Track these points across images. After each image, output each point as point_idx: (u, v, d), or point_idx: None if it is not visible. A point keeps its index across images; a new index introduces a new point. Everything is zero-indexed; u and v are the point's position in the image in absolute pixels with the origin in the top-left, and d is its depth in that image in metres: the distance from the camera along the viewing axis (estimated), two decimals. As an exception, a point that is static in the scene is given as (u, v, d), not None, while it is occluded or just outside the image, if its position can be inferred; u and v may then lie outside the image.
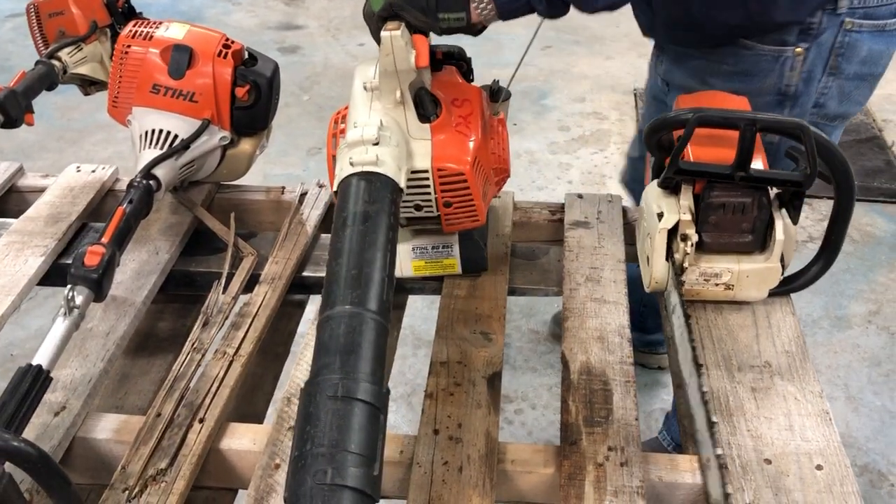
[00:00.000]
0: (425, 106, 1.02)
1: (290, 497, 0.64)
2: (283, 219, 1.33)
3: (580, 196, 1.33)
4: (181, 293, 1.26)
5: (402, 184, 0.93)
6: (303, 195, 1.36)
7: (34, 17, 1.66)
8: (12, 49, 4.05)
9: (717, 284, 1.08)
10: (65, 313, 0.98)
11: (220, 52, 1.24)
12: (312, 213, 1.31)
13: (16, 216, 1.34)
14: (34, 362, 0.93)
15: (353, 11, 4.25)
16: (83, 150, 3.24)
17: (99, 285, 1.02)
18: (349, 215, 0.86)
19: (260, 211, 1.37)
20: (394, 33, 0.96)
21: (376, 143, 0.93)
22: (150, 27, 1.27)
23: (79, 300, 0.99)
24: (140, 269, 1.19)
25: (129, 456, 0.91)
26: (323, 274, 1.21)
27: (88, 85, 1.72)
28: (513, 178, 1.38)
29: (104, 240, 1.06)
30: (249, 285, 1.19)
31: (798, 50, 1.27)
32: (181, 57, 1.23)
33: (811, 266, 1.11)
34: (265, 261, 1.22)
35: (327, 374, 0.71)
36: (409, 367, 2.20)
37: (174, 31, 1.26)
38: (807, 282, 1.11)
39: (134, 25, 1.27)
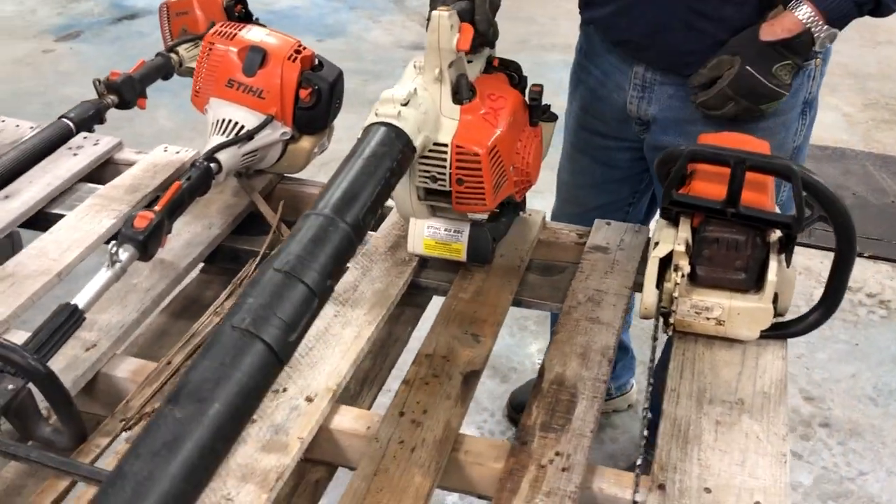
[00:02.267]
0: (461, 89, 1.13)
1: (210, 336, 0.75)
2: (333, 213, 1.44)
3: (608, 223, 1.37)
4: (228, 266, 1.40)
5: (417, 143, 1.04)
6: (353, 194, 1.47)
7: (164, 15, 1.87)
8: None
9: (708, 318, 1.10)
10: (108, 265, 1.13)
11: (291, 56, 1.38)
12: (355, 210, 1.42)
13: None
14: (72, 301, 1.08)
15: (484, 37, 4.38)
16: (214, 143, 3.51)
17: (144, 246, 1.16)
18: (360, 150, 0.99)
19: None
20: (442, 13, 1.07)
21: (405, 104, 1.04)
22: (236, 28, 1.42)
23: (123, 256, 1.14)
24: (191, 240, 1.33)
25: (135, 393, 1.05)
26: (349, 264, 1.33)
27: (203, 79, 1.92)
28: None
29: (157, 207, 1.21)
30: (283, 266, 1.31)
31: (817, 61, 1.34)
32: (255, 57, 1.38)
33: (810, 314, 1.10)
34: (303, 247, 1.34)
35: (285, 255, 0.84)
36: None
37: (254, 34, 1.40)
38: (804, 329, 1.11)
39: (222, 26, 1.43)
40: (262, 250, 1.33)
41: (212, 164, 1.32)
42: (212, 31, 1.43)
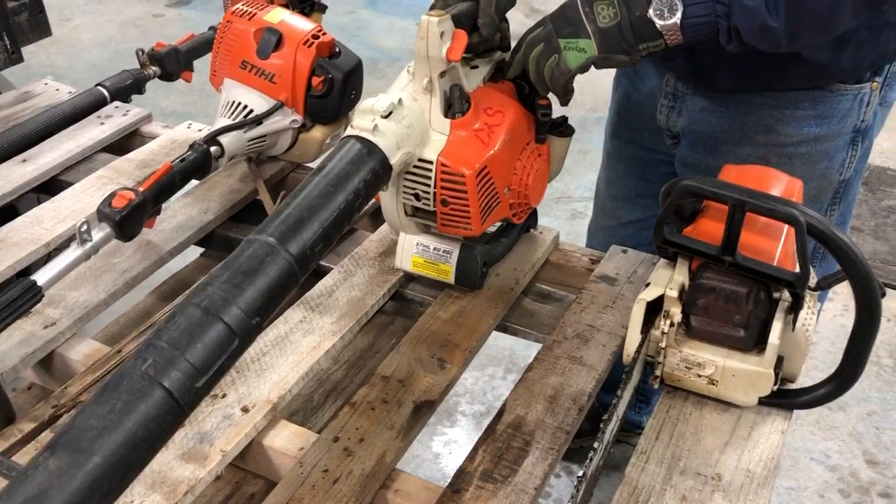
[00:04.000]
0: (454, 102, 1.04)
1: (112, 375, 0.69)
2: (342, 208, 1.38)
3: (625, 251, 1.24)
4: (224, 254, 1.35)
5: (395, 161, 0.96)
6: (365, 190, 1.40)
7: (226, -12, 1.86)
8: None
9: (699, 376, 0.96)
10: (78, 242, 1.10)
11: (307, 41, 1.31)
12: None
13: (132, 156, 1.52)
14: (32, 277, 1.06)
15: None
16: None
17: (120, 227, 1.12)
18: (326, 167, 0.92)
19: (325, 196, 1.43)
20: (431, 19, 0.98)
21: (385, 116, 0.96)
22: (256, 7, 1.37)
23: (95, 235, 1.11)
24: (184, 223, 1.29)
25: (75, 379, 1.01)
26: (331, 263, 1.25)
27: (259, 56, 1.89)
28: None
29: (141, 188, 1.17)
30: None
31: (874, 84, 1.16)
32: (270, 39, 1.32)
33: (822, 385, 0.95)
34: (297, 242, 1.28)
35: (211, 286, 0.77)
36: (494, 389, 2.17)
37: (273, 15, 1.35)
38: (810, 402, 0.96)
39: (244, 3, 1.38)
40: (252, 241, 1.27)
41: (212, 148, 1.28)
42: (232, 8, 1.38)
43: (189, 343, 0.72)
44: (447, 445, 2.01)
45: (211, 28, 1.75)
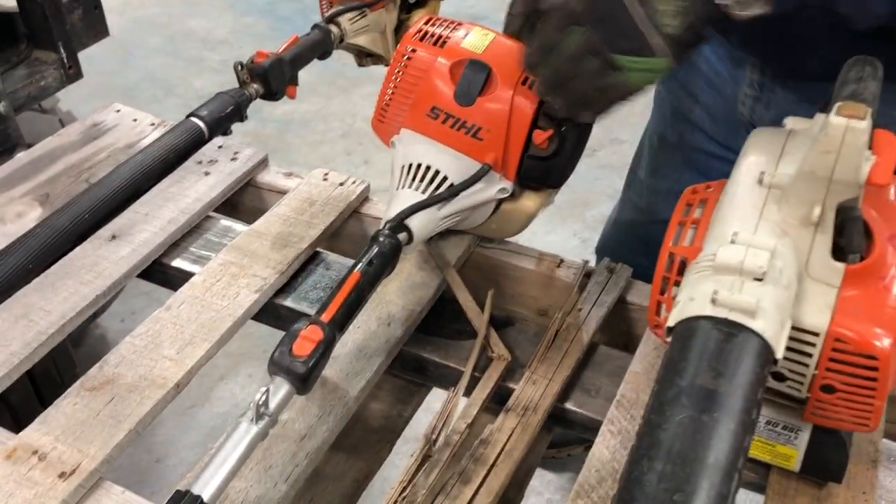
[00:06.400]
0: (850, 236, 0.65)
1: None
2: (552, 299, 1.02)
3: None
4: (408, 377, 0.98)
5: (780, 352, 0.59)
6: (587, 275, 1.03)
7: (322, -26, 1.47)
8: None
9: None
10: (252, 418, 0.73)
11: (527, 78, 0.92)
12: (593, 312, 0.97)
13: (248, 216, 1.14)
14: (195, 490, 0.69)
15: None
16: (350, 101, 3.12)
17: (304, 381, 0.76)
18: (684, 387, 0.55)
19: (523, 281, 1.06)
20: (854, 125, 0.60)
21: (759, 279, 0.59)
22: (446, 28, 0.97)
23: (274, 402, 0.74)
24: (364, 345, 0.92)
25: None
26: (595, 414, 0.89)
27: (364, 56, 1.52)
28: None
29: (324, 317, 0.80)
30: (494, 398, 0.89)
31: None
32: (475, 77, 0.93)
33: None
34: (518, 366, 0.91)
35: None
36: None
37: (473, 40, 0.95)
38: None
39: (427, 23, 0.98)
40: (468, 370, 0.90)
41: (401, 235, 0.90)
42: (412, 30, 0.98)
43: None
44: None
45: (315, 27, 1.37)
